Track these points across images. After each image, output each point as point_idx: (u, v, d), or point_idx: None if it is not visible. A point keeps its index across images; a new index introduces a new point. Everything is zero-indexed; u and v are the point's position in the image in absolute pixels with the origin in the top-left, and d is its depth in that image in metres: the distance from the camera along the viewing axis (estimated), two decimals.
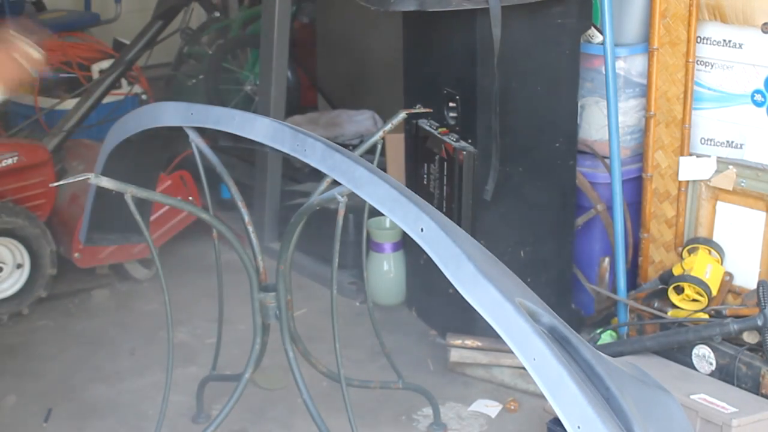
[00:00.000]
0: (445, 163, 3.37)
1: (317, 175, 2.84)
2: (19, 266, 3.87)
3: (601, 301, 3.59)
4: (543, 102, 3.33)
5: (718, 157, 3.30)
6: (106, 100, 4.59)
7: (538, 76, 3.30)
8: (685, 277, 3.23)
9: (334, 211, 2.52)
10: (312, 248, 4.02)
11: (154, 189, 3.40)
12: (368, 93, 5.21)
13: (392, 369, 3.05)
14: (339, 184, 2.16)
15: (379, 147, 2.86)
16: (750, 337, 3.02)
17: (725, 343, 3.05)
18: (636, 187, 3.52)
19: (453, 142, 3.33)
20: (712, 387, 2.96)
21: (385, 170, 3.51)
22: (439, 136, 3.40)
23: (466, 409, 3.25)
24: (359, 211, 2.98)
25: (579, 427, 1.47)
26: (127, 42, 5.12)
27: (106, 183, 2.42)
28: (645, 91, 3.45)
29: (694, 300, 3.25)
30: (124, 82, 5.04)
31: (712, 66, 3.33)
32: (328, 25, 5.71)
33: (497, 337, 1.62)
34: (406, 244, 3.86)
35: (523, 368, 1.57)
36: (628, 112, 3.52)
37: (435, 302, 3.64)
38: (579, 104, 3.47)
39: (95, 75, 5.00)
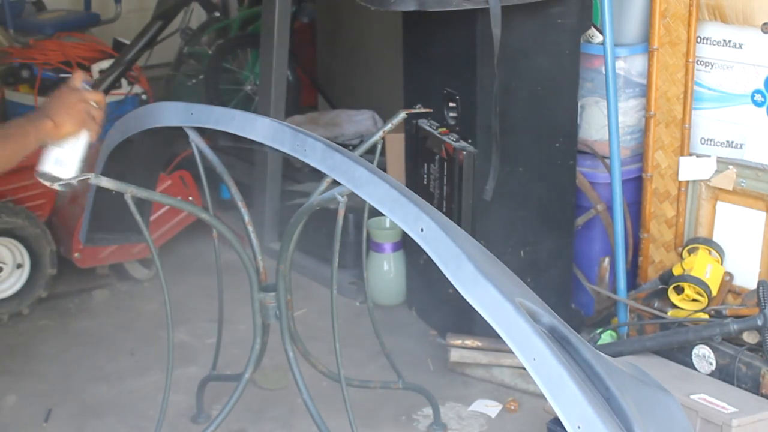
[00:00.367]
0: (445, 163, 3.37)
1: (317, 175, 2.84)
2: (19, 266, 3.87)
3: (601, 301, 3.59)
4: (543, 102, 3.33)
5: (718, 157, 3.30)
6: (106, 100, 4.57)
7: (538, 76, 3.30)
8: (685, 277, 3.23)
9: (334, 211, 2.52)
10: (312, 248, 4.02)
11: (154, 189, 3.40)
12: (368, 93, 5.21)
13: (392, 369, 3.04)
14: (339, 184, 2.16)
15: (379, 147, 2.86)
16: (750, 337, 3.02)
17: (725, 343, 3.04)
18: (636, 187, 3.52)
19: (453, 142, 3.33)
20: (712, 387, 2.95)
21: (385, 170, 3.51)
22: (439, 136, 3.40)
23: (466, 409, 3.25)
24: (359, 211, 2.98)
25: (579, 427, 1.47)
26: (127, 42, 5.14)
27: (106, 183, 2.42)
28: (645, 91, 3.45)
29: (694, 300, 3.25)
30: (124, 82, 5.04)
31: (712, 66, 3.32)
32: (328, 25, 5.72)
33: (497, 337, 1.62)
34: (406, 244, 3.86)
35: (523, 368, 1.57)
36: (628, 112, 3.51)
37: (435, 302, 3.64)
38: (579, 104, 3.47)
39: (95, 75, 5.00)
